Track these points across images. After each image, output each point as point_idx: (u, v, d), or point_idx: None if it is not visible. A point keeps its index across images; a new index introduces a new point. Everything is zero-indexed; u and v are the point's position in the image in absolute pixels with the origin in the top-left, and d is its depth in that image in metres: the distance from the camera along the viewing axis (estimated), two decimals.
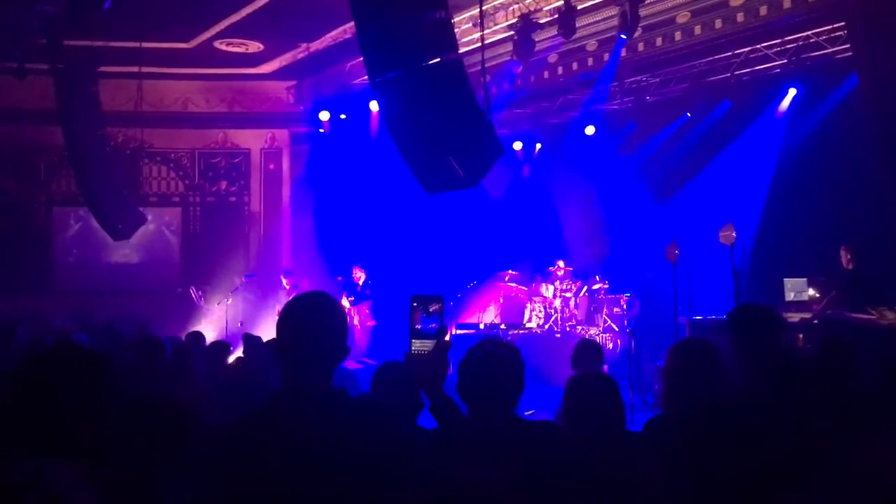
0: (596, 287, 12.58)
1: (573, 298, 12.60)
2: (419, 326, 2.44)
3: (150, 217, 14.26)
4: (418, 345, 2.44)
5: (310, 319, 2.24)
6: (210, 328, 12.76)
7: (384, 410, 2.19)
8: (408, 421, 2.66)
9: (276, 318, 2.29)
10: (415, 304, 2.46)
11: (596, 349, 5.29)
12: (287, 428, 2.06)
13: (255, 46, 13.53)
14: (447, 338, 2.44)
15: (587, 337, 11.02)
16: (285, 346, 2.23)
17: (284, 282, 13.34)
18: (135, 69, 13.32)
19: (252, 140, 16.29)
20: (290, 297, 2.30)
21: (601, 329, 12.18)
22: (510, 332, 11.93)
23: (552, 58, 12.66)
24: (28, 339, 7.87)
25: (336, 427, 2.06)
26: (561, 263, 12.82)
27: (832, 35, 10.70)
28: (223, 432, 2.16)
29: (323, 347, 2.21)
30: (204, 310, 14.19)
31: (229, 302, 13.79)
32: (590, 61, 12.44)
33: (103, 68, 12.54)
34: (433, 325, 2.44)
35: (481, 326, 13.06)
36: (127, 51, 12.77)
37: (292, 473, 1.99)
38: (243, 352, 7.39)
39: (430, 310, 2.45)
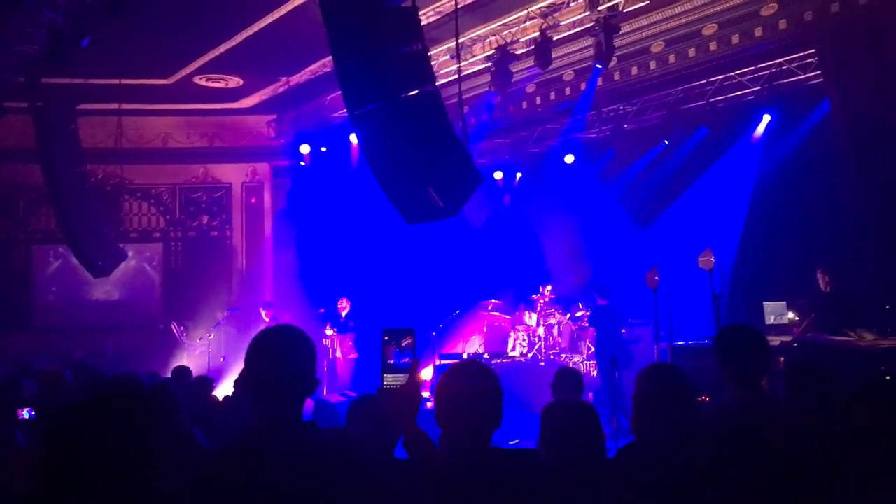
0: (579, 314, 12.59)
1: (556, 326, 12.60)
2: (392, 361, 2.42)
3: (131, 253, 14.22)
4: (391, 379, 2.42)
5: (277, 353, 2.21)
6: (193, 363, 12.64)
7: (355, 443, 2.17)
8: (384, 453, 2.63)
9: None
10: (386, 339, 2.43)
11: (575, 376, 5.28)
12: (257, 463, 2.04)
13: (234, 81, 13.59)
14: (420, 372, 2.42)
15: (571, 365, 11.01)
16: (253, 381, 2.20)
17: (264, 314, 13.27)
18: (114, 106, 13.35)
19: (233, 174, 16.30)
20: (258, 332, 2.27)
21: (585, 356, 12.16)
22: (494, 361, 11.89)
23: (530, 88, 12.80)
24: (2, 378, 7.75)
25: (306, 461, 2.04)
26: (548, 289, 12.83)
27: (803, 62, 10.90)
28: (199, 468, 2.14)
29: (291, 381, 2.18)
30: (186, 345, 14.08)
31: (212, 337, 13.70)
32: (567, 91, 12.58)
33: (83, 105, 12.56)
34: (406, 360, 2.42)
35: (465, 356, 13.01)
36: (106, 88, 12.79)
37: None
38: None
39: (403, 344, 2.43)
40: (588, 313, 12.34)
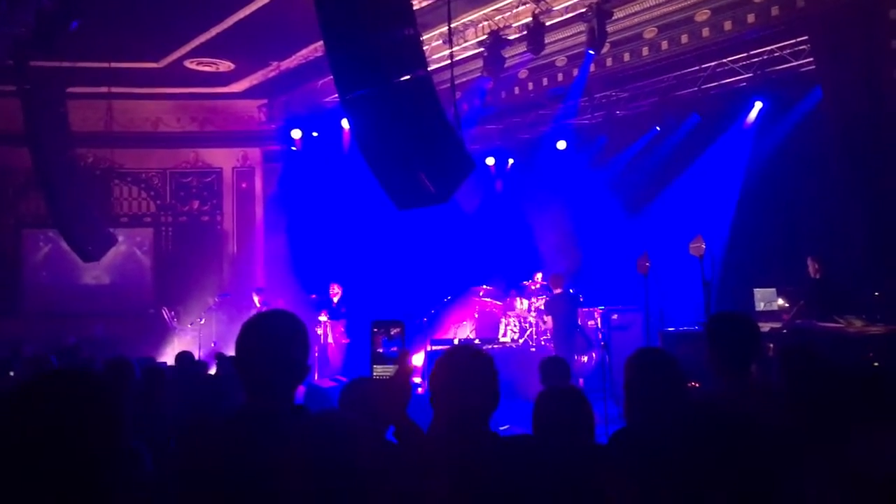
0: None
1: None
2: (381, 351, 2.44)
3: (121, 238, 14.14)
4: (380, 370, 2.44)
5: (269, 338, 2.20)
6: (183, 349, 12.63)
7: (346, 425, 2.17)
8: (376, 435, 2.64)
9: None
10: (375, 330, 2.45)
11: (562, 363, 5.32)
12: (248, 446, 2.04)
13: (225, 65, 13.50)
14: (409, 361, 2.43)
15: None
16: (245, 365, 2.19)
17: (256, 300, 13.24)
18: (104, 89, 13.24)
19: (224, 159, 16.21)
20: (250, 316, 2.27)
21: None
22: (485, 347, 11.91)
23: (522, 74, 12.77)
24: None
25: (296, 445, 2.04)
26: (539, 275, 12.86)
27: (796, 49, 10.90)
28: (185, 451, 2.14)
29: (282, 366, 2.18)
30: (177, 330, 14.06)
31: (202, 322, 13.68)
32: (559, 77, 12.56)
33: (72, 89, 12.43)
34: (394, 349, 2.43)
35: (456, 342, 13.03)
36: (96, 71, 12.68)
37: (252, 492, 1.97)
38: (216, 372, 7.36)
39: (392, 334, 2.44)
40: (580, 299, 12.41)
